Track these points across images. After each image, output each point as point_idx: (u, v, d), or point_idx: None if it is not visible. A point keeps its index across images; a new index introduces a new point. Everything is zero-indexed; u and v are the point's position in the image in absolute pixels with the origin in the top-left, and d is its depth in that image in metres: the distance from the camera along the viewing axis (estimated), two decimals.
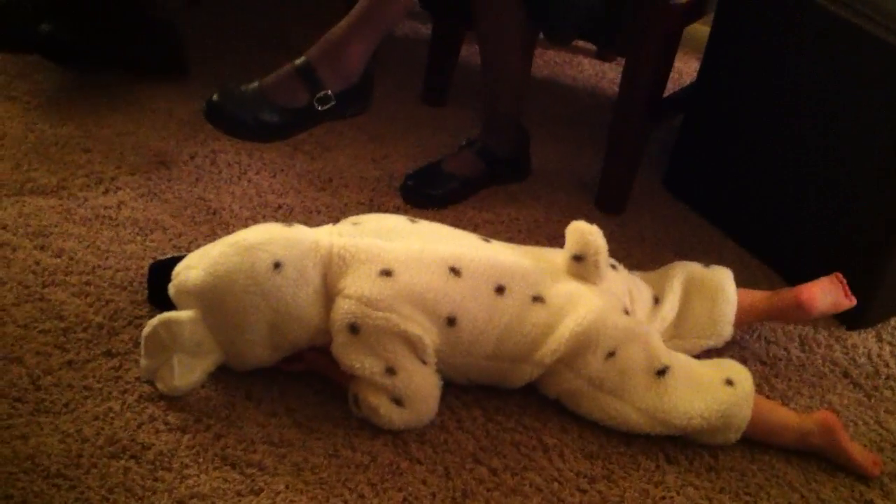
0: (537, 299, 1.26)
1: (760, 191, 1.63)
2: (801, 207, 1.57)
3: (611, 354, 1.26)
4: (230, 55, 2.00)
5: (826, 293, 1.42)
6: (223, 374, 1.27)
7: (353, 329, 1.19)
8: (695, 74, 1.81)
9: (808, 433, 1.27)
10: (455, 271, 1.24)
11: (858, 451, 1.28)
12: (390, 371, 1.20)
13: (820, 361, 1.46)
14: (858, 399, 1.40)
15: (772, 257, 1.64)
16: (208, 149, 1.71)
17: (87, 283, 1.38)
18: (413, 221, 1.34)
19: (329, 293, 1.22)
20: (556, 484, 1.20)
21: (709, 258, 1.61)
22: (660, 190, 1.80)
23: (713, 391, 1.26)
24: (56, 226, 1.48)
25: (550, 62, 2.22)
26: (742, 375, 1.29)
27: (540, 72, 2.15)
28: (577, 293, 1.28)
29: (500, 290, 1.25)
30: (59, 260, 1.42)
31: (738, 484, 1.24)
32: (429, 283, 1.22)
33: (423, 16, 2.11)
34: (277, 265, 1.21)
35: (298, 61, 1.62)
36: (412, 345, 1.21)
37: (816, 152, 1.52)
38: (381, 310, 1.19)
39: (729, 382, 1.27)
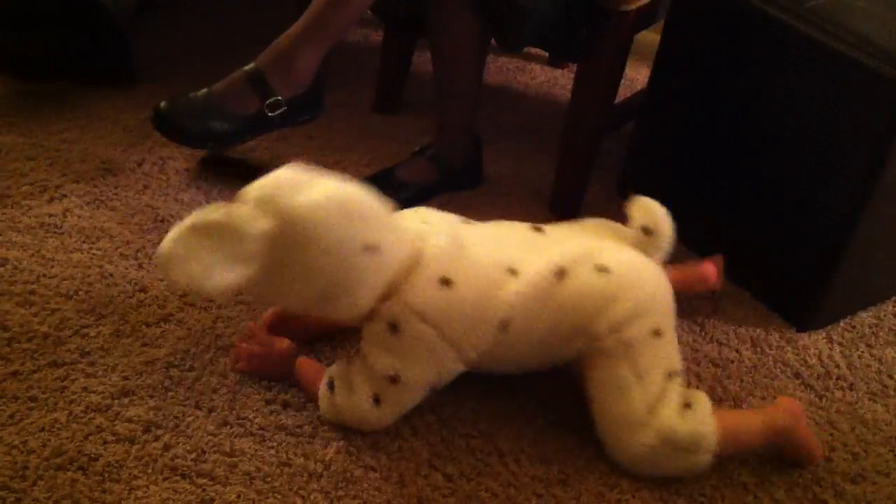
0: (602, 269, 1.22)
1: (711, 195, 1.64)
2: (751, 211, 1.58)
3: (656, 333, 1.23)
4: (179, 62, 1.98)
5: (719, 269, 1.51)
6: (170, 383, 1.25)
7: (394, 329, 1.16)
8: (645, 82, 1.82)
9: (774, 422, 1.26)
10: (513, 272, 1.20)
11: (812, 437, 1.30)
12: (395, 378, 1.18)
13: (772, 363, 1.47)
14: (810, 400, 1.41)
15: (724, 260, 1.64)
16: (156, 156, 1.68)
17: (32, 293, 1.35)
18: (467, 222, 1.29)
19: (390, 289, 1.17)
20: (511, 489, 1.20)
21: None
22: (613, 196, 1.81)
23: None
24: None
25: (503, 69, 2.23)
26: (698, 398, 1.26)
27: (492, 78, 2.15)
28: (641, 264, 1.27)
29: (560, 274, 1.21)
30: (2, 269, 1.39)
31: (693, 487, 1.24)
32: (485, 292, 1.18)
33: (374, 23, 2.10)
34: (371, 248, 1.13)
35: (248, 68, 1.61)
36: (436, 369, 1.19)
37: (766, 157, 1.53)
38: (427, 322, 1.16)
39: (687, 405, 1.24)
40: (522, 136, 1.96)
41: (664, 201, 1.72)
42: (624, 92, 1.95)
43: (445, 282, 1.17)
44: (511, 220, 1.33)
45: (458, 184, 1.76)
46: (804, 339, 1.53)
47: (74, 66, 1.82)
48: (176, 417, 1.21)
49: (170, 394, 1.24)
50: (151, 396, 1.23)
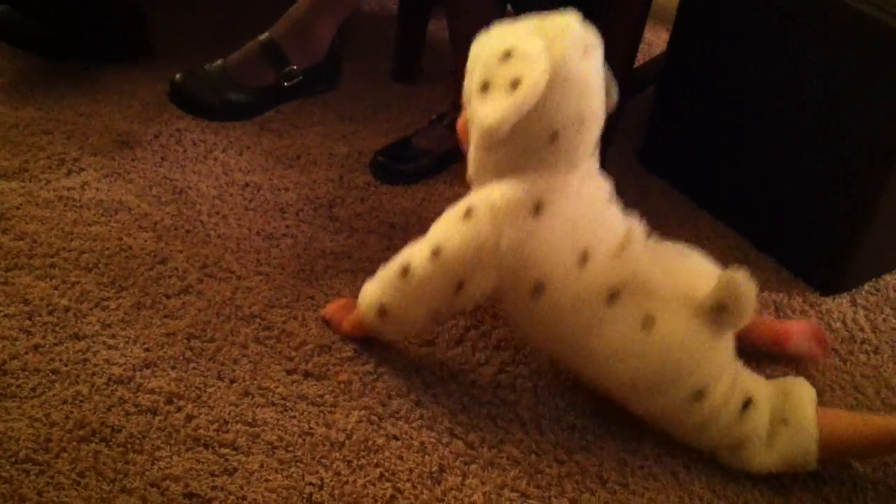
0: (648, 323, 1.15)
1: (734, 161, 1.62)
2: (776, 176, 1.56)
3: (696, 397, 1.17)
4: (195, 34, 1.97)
5: (801, 335, 1.39)
6: (192, 354, 1.25)
7: (468, 213, 1.17)
8: (664, 45, 1.80)
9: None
10: (585, 257, 1.16)
11: None
12: (436, 252, 1.17)
13: None
14: (834, 364, 1.39)
15: (747, 227, 1.63)
16: (173, 128, 1.68)
17: (52, 266, 1.35)
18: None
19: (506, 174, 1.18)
20: (533, 456, 1.19)
21: (685, 230, 1.61)
22: (634, 165, 1.79)
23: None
24: (18, 209, 1.45)
25: None
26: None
27: None
28: (690, 339, 1.17)
29: (613, 296, 1.16)
30: (21, 243, 1.38)
31: None
32: (554, 247, 1.15)
33: None
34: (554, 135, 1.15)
35: (263, 38, 1.59)
36: (470, 275, 1.17)
37: (790, 121, 1.51)
38: (504, 237, 1.14)
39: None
40: None
41: (685, 171, 1.71)
42: (642, 57, 1.93)
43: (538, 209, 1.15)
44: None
45: None
46: (828, 302, 1.51)
47: (90, 42, 1.81)
48: (198, 388, 1.21)
49: (191, 365, 1.24)
50: (173, 368, 1.23)
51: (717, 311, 1.14)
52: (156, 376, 1.22)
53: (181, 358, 1.24)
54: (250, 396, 1.21)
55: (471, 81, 1.17)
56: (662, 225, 1.60)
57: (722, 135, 1.63)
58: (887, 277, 1.57)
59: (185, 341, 1.27)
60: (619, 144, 1.78)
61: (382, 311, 1.23)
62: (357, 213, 1.56)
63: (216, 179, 1.58)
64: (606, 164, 1.70)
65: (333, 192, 1.59)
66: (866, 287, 1.55)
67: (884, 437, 1.18)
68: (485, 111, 1.12)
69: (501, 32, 1.17)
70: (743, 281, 1.13)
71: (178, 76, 1.62)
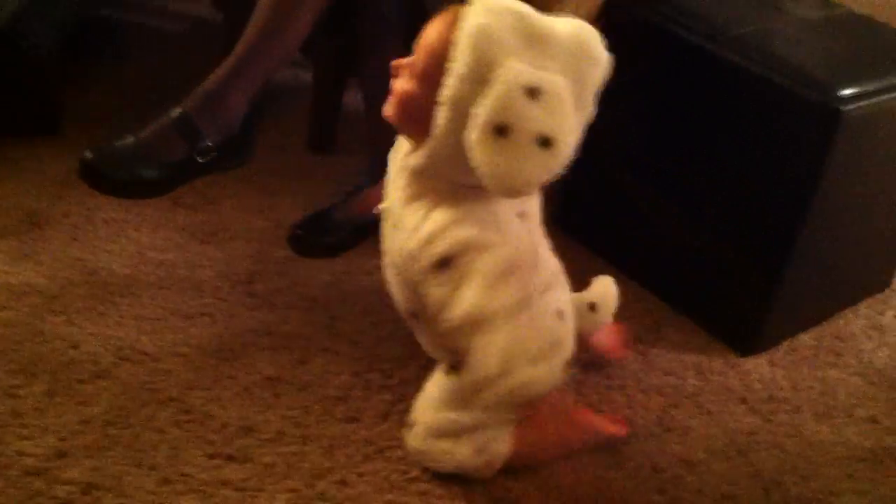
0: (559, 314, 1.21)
1: (649, 222, 1.65)
2: (689, 238, 1.59)
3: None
4: (104, 107, 1.94)
5: (605, 334, 1.45)
6: (108, 441, 1.20)
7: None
8: None
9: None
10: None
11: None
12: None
13: (716, 389, 1.47)
14: (757, 424, 1.41)
15: (664, 289, 1.65)
16: (84, 206, 1.64)
17: None
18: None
19: None
20: None
21: None
22: (551, 227, 1.80)
23: None
24: None
25: None
26: None
27: None
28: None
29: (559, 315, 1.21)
30: None
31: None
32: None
33: (304, 62, 2.08)
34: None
35: (175, 112, 1.57)
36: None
37: (701, 184, 1.55)
38: None
39: None
40: None
41: (603, 235, 1.73)
42: None
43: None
44: None
45: None
46: (747, 363, 1.53)
47: None
48: (115, 477, 1.16)
49: (108, 453, 1.19)
50: (89, 457, 1.18)
51: (589, 308, 1.33)
52: (71, 466, 1.17)
53: (97, 446, 1.20)
54: (170, 484, 1.17)
55: (463, 69, 1.00)
56: (581, 287, 1.63)
57: (634, 196, 1.66)
58: (803, 336, 1.61)
59: (101, 428, 1.23)
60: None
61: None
62: (277, 288, 1.53)
63: (129, 258, 1.54)
64: None
65: (252, 268, 1.57)
66: (783, 347, 1.58)
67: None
68: (501, 162, 0.98)
69: (511, 24, 0.99)
70: (613, 286, 1.36)
71: (87, 153, 1.58)
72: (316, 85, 1.93)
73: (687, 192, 1.57)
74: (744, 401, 1.45)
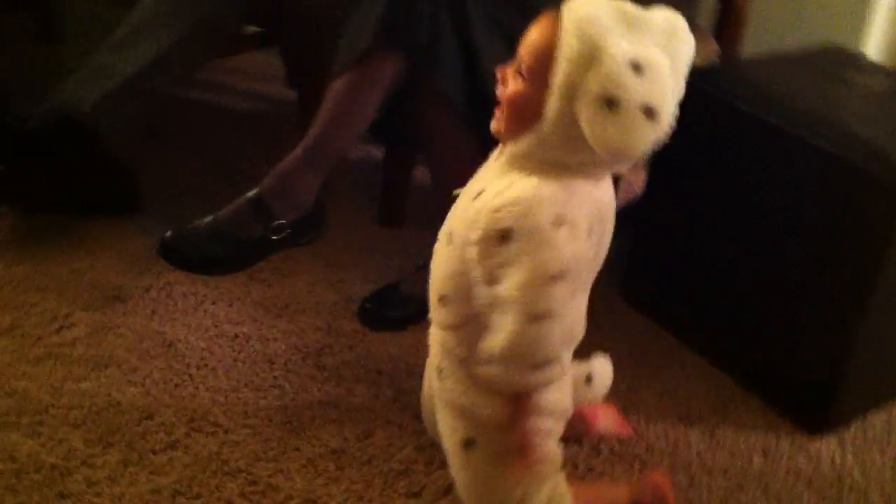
0: None
1: (715, 299, 1.65)
2: (757, 314, 1.58)
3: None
4: (184, 187, 2.01)
5: (606, 417, 1.44)
6: None
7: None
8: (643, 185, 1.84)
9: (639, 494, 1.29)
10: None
11: None
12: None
13: (784, 471, 1.45)
14: None
15: (731, 366, 1.64)
16: (163, 281, 1.70)
17: (40, 423, 1.36)
18: None
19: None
20: None
21: (669, 368, 1.62)
22: (618, 302, 1.82)
23: None
24: (9, 366, 1.46)
25: None
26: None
27: None
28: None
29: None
30: (10, 400, 1.40)
31: None
32: None
33: (374, 139, 2.14)
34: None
35: (251, 194, 1.65)
36: None
37: (767, 260, 1.54)
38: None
39: None
40: None
41: (668, 308, 1.74)
42: (624, 195, 1.97)
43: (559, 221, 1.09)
44: None
45: None
46: (816, 444, 1.51)
47: (80, 197, 1.85)
48: None
49: None
50: None
51: (585, 381, 1.32)
52: None
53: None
54: None
55: (571, 53, 1.04)
56: (646, 362, 1.64)
57: (700, 271, 1.66)
58: (873, 415, 1.58)
59: (171, 498, 1.27)
60: (603, 281, 1.80)
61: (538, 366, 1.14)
62: (345, 361, 1.57)
63: (205, 331, 1.59)
64: (591, 300, 1.74)
65: (322, 341, 1.61)
66: (853, 426, 1.55)
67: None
68: (613, 132, 1.03)
69: (611, 11, 1.06)
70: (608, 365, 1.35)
71: (168, 233, 1.67)
72: (385, 163, 1.98)
73: (751, 266, 1.57)
74: (811, 484, 1.43)
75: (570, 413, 1.23)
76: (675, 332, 1.73)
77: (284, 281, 1.76)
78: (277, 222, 1.63)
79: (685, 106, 1.62)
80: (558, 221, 1.09)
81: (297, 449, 1.38)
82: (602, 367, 1.37)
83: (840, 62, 1.76)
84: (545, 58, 1.07)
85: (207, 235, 1.65)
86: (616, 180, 1.71)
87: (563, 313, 1.10)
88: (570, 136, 1.07)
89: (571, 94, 1.05)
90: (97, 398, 1.42)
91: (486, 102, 1.37)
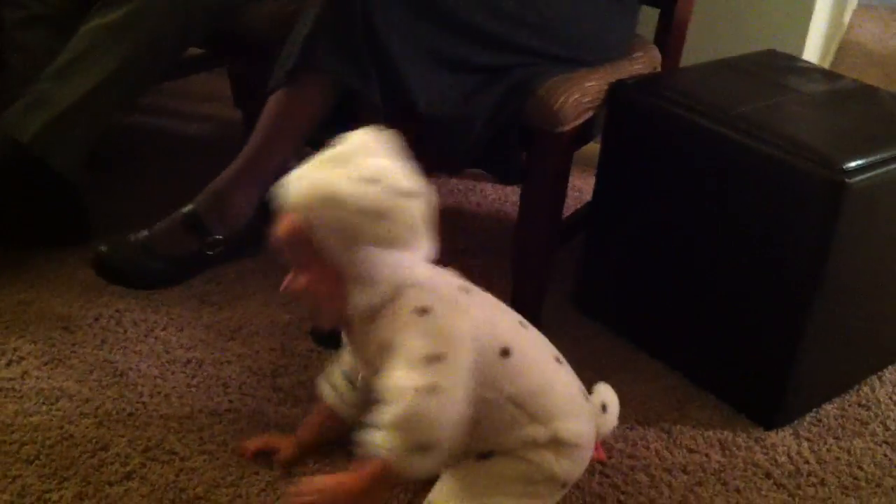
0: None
1: (664, 301, 1.66)
2: (706, 314, 1.60)
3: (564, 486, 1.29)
4: (132, 213, 1.98)
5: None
6: None
7: (424, 311, 1.16)
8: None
9: None
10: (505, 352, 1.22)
11: None
12: (439, 357, 1.15)
13: (742, 464, 1.46)
14: (783, 500, 1.40)
15: (685, 366, 1.65)
16: (112, 309, 1.68)
17: None
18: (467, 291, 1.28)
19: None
20: None
21: (624, 372, 1.63)
22: (570, 310, 1.82)
23: None
24: None
25: (454, 190, 2.26)
26: None
27: (444, 201, 2.18)
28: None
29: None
30: None
31: None
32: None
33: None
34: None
35: (186, 209, 1.66)
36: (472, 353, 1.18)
37: (713, 260, 1.56)
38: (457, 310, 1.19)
39: None
40: (478, 256, 1.98)
41: (621, 314, 1.75)
42: (574, 203, 1.99)
43: (423, 310, 1.16)
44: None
45: None
46: (772, 437, 1.53)
47: (25, 228, 1.82)
48: None
49: None
50: None
51: (602, 409, 1.36)
52: None
53: None
54: None
55: (327, 220, 1.14)
56: (602, 368, 1.64)
57: (651, 275, 1.67)
58: (827, 406, 1.60)
59: None
60: (554, 290, 1.81)
61: (424, 447, 1.14)
62: (300, 381, 1.56)
63: (157, 358, 1.58)
64: (542, 310, 1.75)
65: (276, 362, 1.60)
66: (808, 418, 1.57)
67: None
68: (387, 226, 1.15)
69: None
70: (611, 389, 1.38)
71: (102, 247, 1.66)
72: None
73: (700, 269, 1.58)
74: (769, 476, 1.44)
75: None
76: (628, 336, 1.74)
77: (236, 303, 1.74)
78: (213, 238, 1.63)
79: (625, 116, 1.65)
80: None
81: (256, 473, 1.36)
82: (609, 392, 1.40)
83: (779, 67, 1.79)
84: (304, 240, 1.16)
85: (142, 250, 1.64)
86: (562, 189, 1.73)
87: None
88: (368, 261, 1.16)
89: (346, 243, 1.14)
90: (50, 432, 1.40)
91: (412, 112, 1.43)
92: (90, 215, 1.90)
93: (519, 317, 1.31)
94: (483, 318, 1.22)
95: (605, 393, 1.39)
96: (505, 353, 1.20)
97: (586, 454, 1.29)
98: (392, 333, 1.16)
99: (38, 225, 1.84)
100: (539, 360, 1.27)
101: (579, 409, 1.28)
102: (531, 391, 1.23)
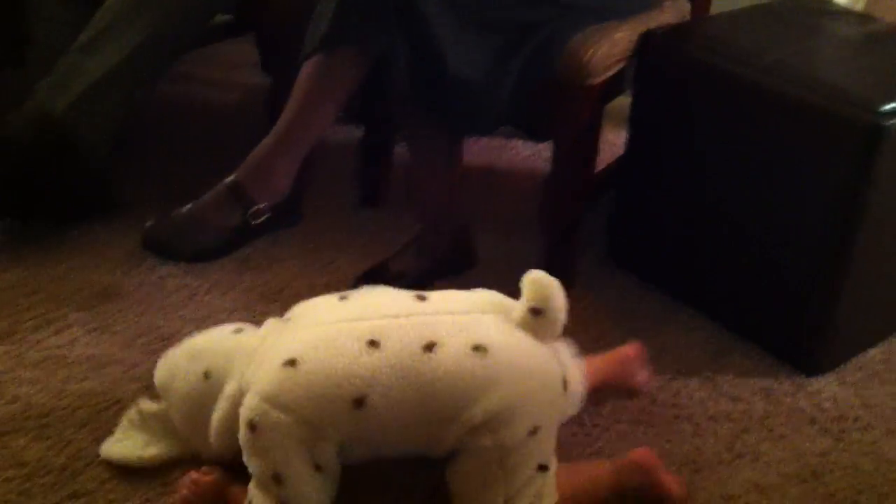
0: (479, 348, 1.14)
1: (702, 252, 1.66)
2: (746, 264, 1.59)
3: (533, 432, 1.15)
4: (165, 181, 2.00)
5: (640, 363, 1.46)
6: None
7: (252, 427, 1.13)
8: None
9: (622, 482, 1.25)
10: (373, 343, 1.14)
11: (672, 481, 1.28)
12: (276, 478, 1.14)
13: (786, 411, 1.47)
14: (829, 444, 1.40)
15: (725, 316, 1.65)
16: (155, 276, 1.70)
17: (46, 426, 1.36)
18: (343, 298, 1.26)
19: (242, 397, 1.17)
20: None
21: (664, 324, 1.64)
22: (606, 262, 1.83)
23: None
24: (8, 372, 1.46)
25: (485, 148, 2.26)
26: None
27: (476, 159, 2.18)
28: (525, 349, 1.17)
29: (429, 346, 1.14)
30: (14, 406, 1.39)
31: None
32: (334, 367, 1.13)
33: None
34: (207, 375, 1.24)
35: (228, 180, 1.67)
36: (308, 448, 1.14)
37: (750, 209, 1.56)
38: (278, 408, 1.12)
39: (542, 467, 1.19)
40: (512, 214, 1.99)
41: (658, 266, 1.75)
42: (607, 158, 1.98)
43: (291, 362, 1.14)
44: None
45: (451, 269, 1.77)
46: (816, 383, 1.53)
47: (54, 205, 1.82)
48: None
49: None
50: None
51: (534, 315, 1.17)
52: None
53: None
54: None
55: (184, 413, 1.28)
56: (640, 321, 1.65)
57: (687, 226, 1.67)
58: (871, 351, 1.60)
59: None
60: (593, 241, 1.82)
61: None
62: None
63: (202, 322, 1.59)
64: (578, 264, 1.75)
65: None
66: (851, 364, 1.57)
67: (613, 489, 1.25)
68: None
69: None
70: (547, 279, 1.17)
71: (149, 224, 1.67)
72: (364, 143, 1.98)
73: (737, 217, 1.58)
74: (814, 422, 1.45)
75: None
76: (666, 289, 1.74)
77: (275, 267, 1.76)
78: (256, 207, 1.65)
79: (656, 67, 1.64)
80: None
81: None
82: (574, 368, 1.29)
83: (811, 11, 1.78)
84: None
85: (187, 224, 1.66)
86: (594, 144, 1.73)
87: None
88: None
89: (195, 421, 1.26)
90: (100, 397, 1.42)
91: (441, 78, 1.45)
92: (118, 187, 1.91)
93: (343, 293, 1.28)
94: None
95: (536, 289, 1.18)
96: (358, 403, 1.13)
97: (526, 410, 1.16)
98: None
99: (65, 198, 1.84)
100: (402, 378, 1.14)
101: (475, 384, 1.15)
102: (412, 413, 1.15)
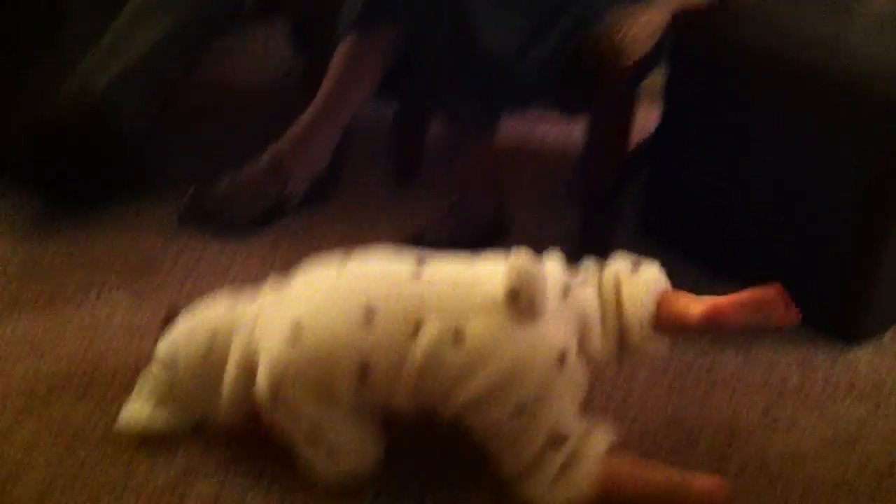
0: (458, 335, 1.14)
1: (736, 225, 1.66)
2: (780, 234, 1.60)
3: (520, 412, 1.15)
4: (196, 159, 2.01)
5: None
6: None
7: (270, 406, 1.19)
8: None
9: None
10: (371, 312, 1.16)
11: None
12: (313, 437, 1.20)
13: (822, 382, 1.47)
14: (866, 414, 1.40)
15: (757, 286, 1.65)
16: (192, 247, 1.72)
17: (89, 387, 1.39)
18: (342, 262, 1.28)
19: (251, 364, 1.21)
20: None
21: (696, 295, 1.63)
22: (638, 238, 1.83)
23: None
24: (52, 336, 1.49)
25: (517, 124, 2.26)
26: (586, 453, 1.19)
27: (508, 134, 2.18)
28: (503, 334, 1.15)
29: (416, 326, 1.15)
30: (57, 367, 1.42)
31: None
32: (336, 336, 1.16)
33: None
34: (210, 347, 1.26)
35: (266, 155, 1.67)
36: (327, 400, 1.17)
37: (788, 182, 1.56)
38: (288, 383, 1.17)
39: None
40: (547, 187, 2.00)
41: (691, 239, 1.74)
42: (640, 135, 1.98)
43: (295, 333, 1.17)
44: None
45: (487, 240, 1.77)
46: (853, 352, 1.53)
47: (85, 185, 1.84)
48: (240, 495, 1.23)
49: (233, 468, 1.27)
50: (216, 473, 1.26)
51: (513, 298, 1.14)
52: (199, 481, 1.25)
53: (221, 468, 1.27)
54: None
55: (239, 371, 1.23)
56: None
57: (722, 200, 1.67)
58: None
59: (225, 452, 1.29)
60: (628, 213, 1.82)
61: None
62: None
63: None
64: (613, 240, 1.75)
65: None
66: (889, 333, 1.57)
67: (664, 494, 1.20)
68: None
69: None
70: (524, 263, 1.15)
71: (187, 197, 1.69)
72: (398, 119, 2.00)
73: (773, 191, 1.58)
74: (851, 390, 1.45)
75: None
76: (699, 261, 1.73)
77: (312, 240, 1.77)
78: (294, 182, 1.67)
79: (692, 45, 1.64)
80: None
81: None
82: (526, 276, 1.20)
83: None
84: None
85: (226, 196, 1.68)
86: (628, 122, 1.73)
87: None
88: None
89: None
90: (142, 362, 1.43)
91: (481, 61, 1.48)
92: (153, 167, 1.93)
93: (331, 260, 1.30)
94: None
95: (517, 274, 1.16)
96: (363, 371, 1.16)
97: (505, 392, 1.15)
98: None
99: (102, 175, 1.86)
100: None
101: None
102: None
